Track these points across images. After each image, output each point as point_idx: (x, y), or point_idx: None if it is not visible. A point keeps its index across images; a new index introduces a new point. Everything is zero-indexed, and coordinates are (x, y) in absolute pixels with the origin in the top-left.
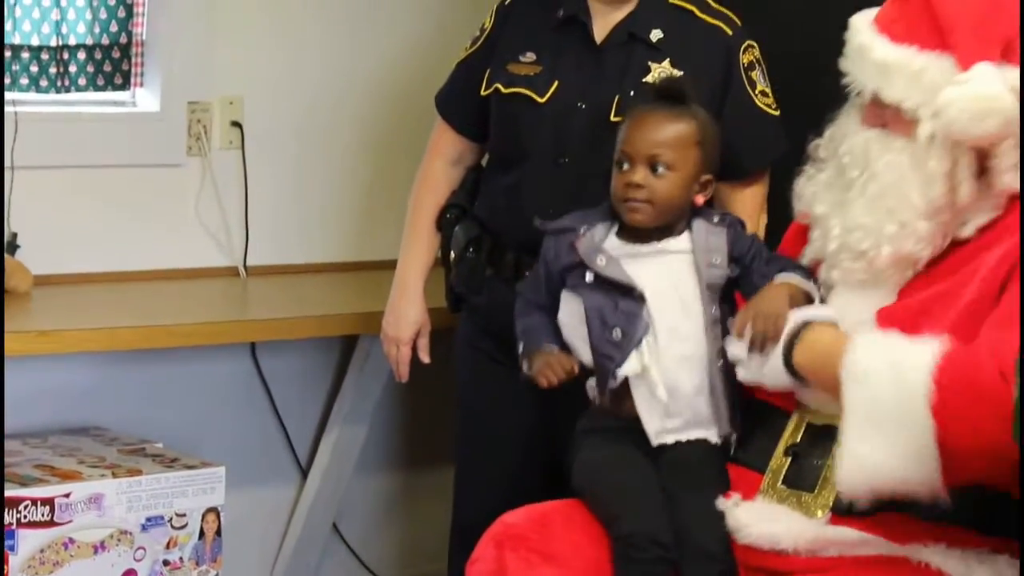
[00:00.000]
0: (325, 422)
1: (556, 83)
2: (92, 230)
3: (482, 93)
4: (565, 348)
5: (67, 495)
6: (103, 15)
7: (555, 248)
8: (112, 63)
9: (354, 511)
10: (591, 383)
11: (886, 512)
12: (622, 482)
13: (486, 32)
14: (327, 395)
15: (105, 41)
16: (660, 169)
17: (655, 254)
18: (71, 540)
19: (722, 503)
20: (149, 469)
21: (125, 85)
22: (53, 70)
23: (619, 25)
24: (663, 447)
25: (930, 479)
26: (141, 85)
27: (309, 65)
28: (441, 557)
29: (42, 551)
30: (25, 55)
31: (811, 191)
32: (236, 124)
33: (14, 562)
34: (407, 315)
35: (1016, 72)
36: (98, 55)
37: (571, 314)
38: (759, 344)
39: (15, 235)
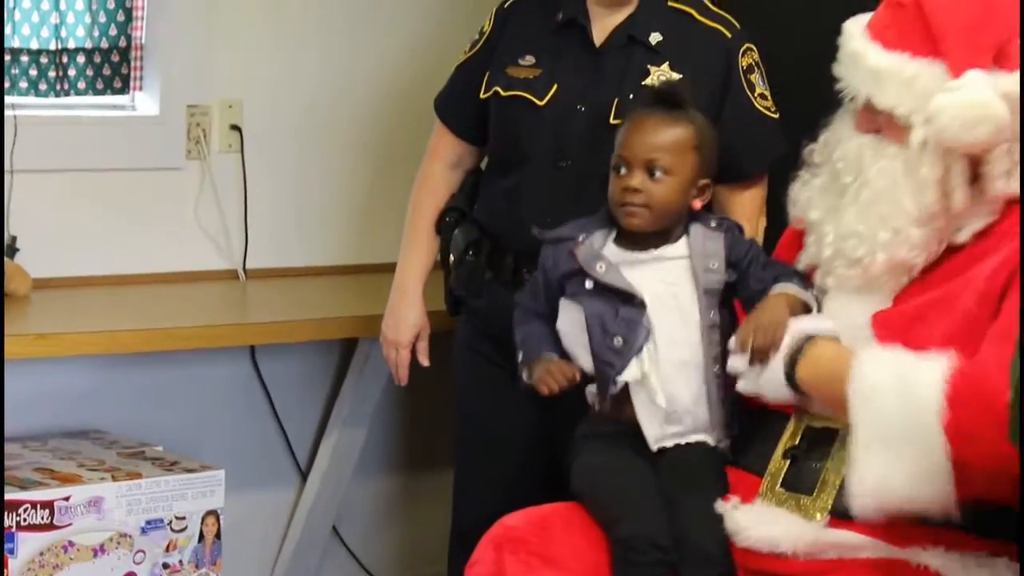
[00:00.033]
0: (325, 425)
1: (555, 86)
2: (91, 233)
3: (481, 96)
4: (564, 356)
5: (67, 498)
6: (102, 19)
7: (554, 256)
8: (111, 67)
9: (354, 514)
10: (591, 389)
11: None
12: (621, 486)
13: (485, 35)
14: (326, 398)
15: (104, 45)
16: (658, 173)
17: (653, 261)
18: (71, 543)
19: (721, 506)
20: (149, 472)
21: (124, 89)
22: (52, 74)
23: (618, 28)
24: (662, 450)
25: (942, 496)
26: (140, 89)
27: (308, 68)
28: (441, 560)
29: (42, 554)
30: (24, 59)
31: (806, 196)
32: (235, 127)
33: (13, 565)
34: (406, 318)
35: (1008, 78)
36: (97, 59)
37: (571, 322)
38: (760, 355)
39: (14, 238)
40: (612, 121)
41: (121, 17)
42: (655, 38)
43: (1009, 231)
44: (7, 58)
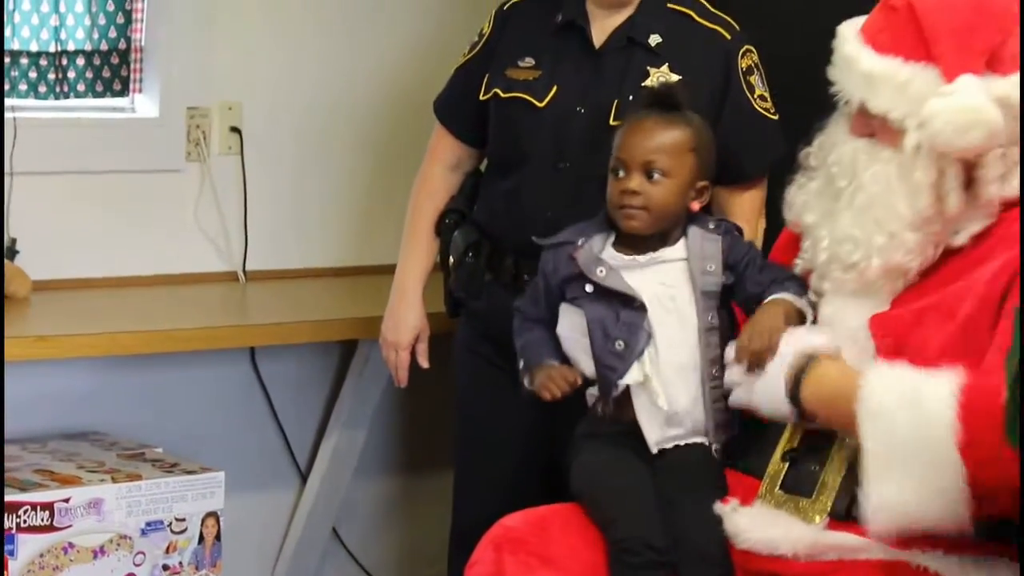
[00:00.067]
0: (324, 427)
1: (555, 88)
2: (91, 235)
3: (481, 98)
4: (565, 362)
5: (67, 500)
6: (102, 21)
7: (554, 261)
8: (111, 69)
9: (353, 515)
10: (592, 391)
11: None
12: (618, 486)
13: (484, 37)
14: (326, 400)
15: (104, 47)
16: (656, 176)
17: (652, 263)
18: (71, 545)
19: (720, 508)
20: (149, 474)
21: (124, 91)
22: (52, 76)
23: (618, 30)
24: (662, 451)
25: (957, 514)
26: (140, 91)
27: (308, 70)
28: (440, 561)
29: (42, 556)
30: (24, 61)
31: (801, 200)
32: (235, 129)
33: (14, 567)
34: (406, 320)
35: (1001, 82)
36: (97, 61)
37: (571, 326)
38: (756, 361)
39: (14, 240)
40: (612, 123)
41: (121, 19)
42: (655, 40)
43: (1009, 236)
44: (7, 60)
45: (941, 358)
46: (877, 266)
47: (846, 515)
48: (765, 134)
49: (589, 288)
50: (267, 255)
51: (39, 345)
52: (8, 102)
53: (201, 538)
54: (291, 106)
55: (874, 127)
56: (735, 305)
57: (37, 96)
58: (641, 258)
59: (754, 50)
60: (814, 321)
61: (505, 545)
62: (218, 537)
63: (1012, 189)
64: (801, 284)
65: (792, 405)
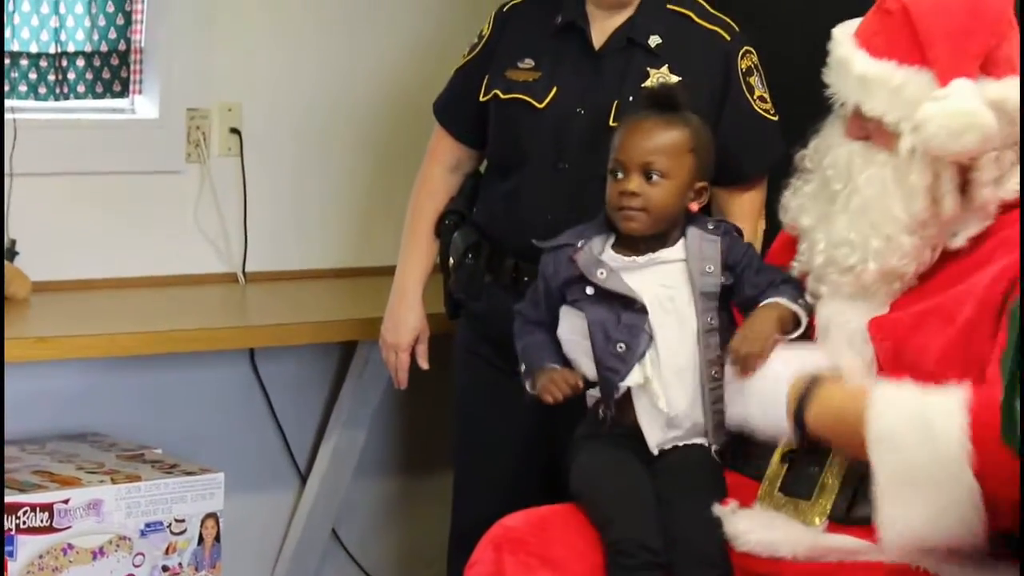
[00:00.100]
0: (324, 428)
1: (555, 89)
2: (91, 237)
3: (481, 99)
4: (566, 365)
5: (66, 501)
6: (102, 22)
7: (554, 263)
8: (111, 70)
9: (353, 516)
10: (592, 392)
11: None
12: (616, 488)
13: (484, 39)
14: (326, 401)
15: (104, 48)
16: (654, 177)
17: (651, 264)
18: (70, 546)
19: (720, 510)
20: (148, 475)
21: (124, 92)
22: (52, 77)
23: (617, 31)
24: (661, 453)
25: (973, 533)
26: (140, 92)
27: (307, 72)
28: (440, 562)
29: (41, 557)
30: (24, 62)
31: (797, 203)
32: (235, 131)
33: (13, 568)
34: (406, 321)
35: (995, 86)
36: (97, 62)
37: (572, 329)
38: (746, 366)
39: (14, 242)
40: (611, 124)
41: (120, 21)
42: (654, 41)
43: (1009, 240)
44: (7, 61)
45: (941, 362)
46: (874, 270)
47: (846, 517)
48: (765, 135)
49: (590, 290)
50: (267, 256)
51: (39, 346)
52: (8, 103)
53: (200, 539)
54: (291, 107)
55: (869, 130)
56: (733, 306)
57: (37, 97)
58: (640, 259)
59: (754, 51)
60: (810, 324)
61: (505, 545)
62: (217, 538)
63: (1008, 191)
64: (797, 287)
65: (796, 427)
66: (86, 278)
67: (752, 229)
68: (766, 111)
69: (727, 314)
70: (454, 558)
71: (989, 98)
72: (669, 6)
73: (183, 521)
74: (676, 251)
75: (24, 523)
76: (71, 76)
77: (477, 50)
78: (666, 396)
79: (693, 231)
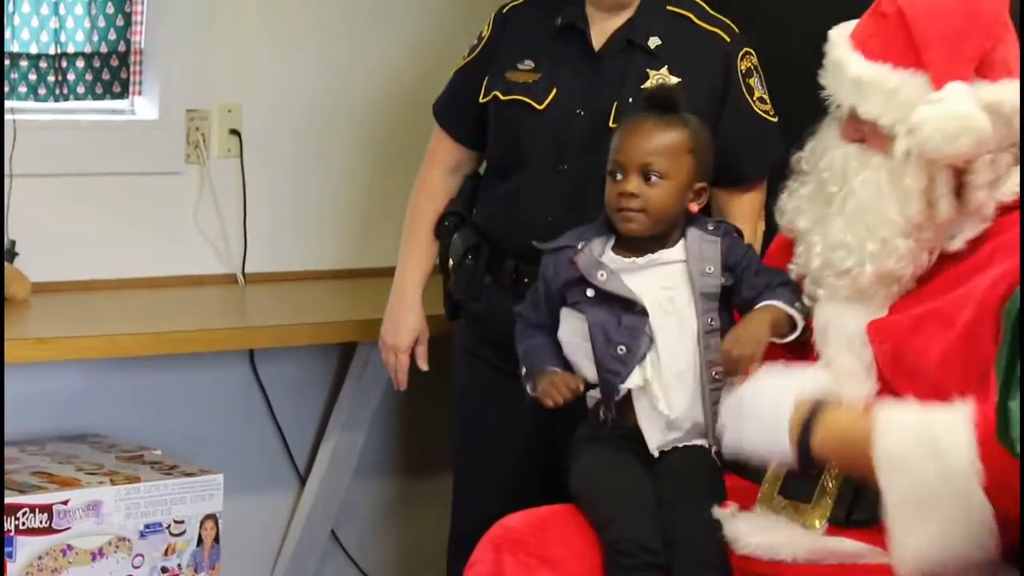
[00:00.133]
0: (323, 429)
1: (555, 90)
2: (90, 238)
3: (480, 101)
4: (567, 367)
5: (65, 502)
6: (101, 23)
7: (554, 265)
8: (110, 71)
9: (352, 518)
10: (593, 394)
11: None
12: (615, 489)
13: (484, 40)
14: (325, 402)
15: (103, 49)
16: (653, 178)
17: (651, 266)
18: (69, 547)
19: (720, 513)
20: (147, 476)
21: (123, 93)
22: (52, 78)
23: (617, 32)
24: (662, 453)
25: (986, 550)
26: (139, 93)
27: (307, 73)
28: (439, 564)
29: (40, 558)
30: (24, 63)
31: (793, 205)
32: (234, 132)
33: (12, 569)
34: (405, 323)
35: (991, 89)
36: (96, 63)
37: (573, 331)
38: (736, 369)
39: (14, 242)
40: (611, 125)
41: (120, 22)
42: (654, 42)
43: (1008, 243)
44: (6, 62)
45: (941, 366)
46: (870, 272)
47: (846, 520)
48: (764, 136)
49: (590, 292)
50: (266, 257)
51: (38, 347)
52: (8, 104)
53: (200, 540)
54: (290, 109)
55: (865, 132)
56: (733, 307)
57: (37, 98)
58: (640, 260)
59: (753, 52)
60: (807, 327)
61: (505, 545)
62: (217, 539)
63: (1005, 194)
64: (795, 290)
65: (799, 453)
66: (86, 279)
67: (752, 230)
68: (766, 112)
69: (728, 315)
70: (453, 559)
71: (984, 101)
72: (669, 7)
73: (182, 522)
74: (676, 252)
75: (23, 524)
76: (71, 77)
77: (477, 51)
78: (666, 398)
79: (693, 232)
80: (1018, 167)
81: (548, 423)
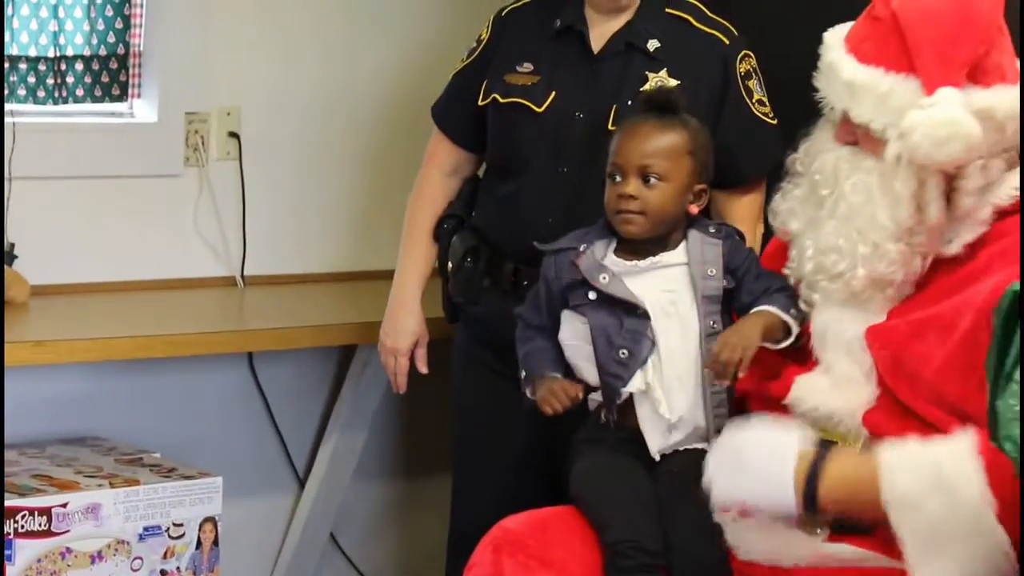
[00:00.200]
0: (323, 432)
1: (553, 93)
2: (90, 240)
3: (480, 103)
4: (568, 371)
5: (64, 505)
6: (100, 26)
7: (555, 267)
8: (109, 74)
9: (351, 521)
10: (594, 396)
11: (884, 529)
12: (613, 491)
13: (483, 43)
14: (324, 405)
15: (102, 52)
16: (652, 180)
17: (653, 268)
18: (68, 550)
19: (721, 518)
20: (146, 479)
21: (122, 96)
22: (51, 81)
23: (616, 35)
24: (663, 456)
25: (1001, 573)
26: (138, 96)
27: (306, 75)
28: (438, 566)
29: (39, 561)
30: (23, 66)
31: (786, 207)
32: (233, 135)
33: (11, 572)
34: (405, 326)
35: (983, 95)
36: (95, 66)
37: (574, 334)
38: (724, 371)
39: (12, 245)
40: (610, 127)
41: (119, 24)
42: (653, 45)
43: (1008, 250)
44: (5, 65)
45: (940, 373)
46: (862, 276)
47: (846, 528)
48: (763, 138)
49: (592, 295)
50: (265, 260)
51: (37, 350)
52: (7, 107)
53: (199, 543)
54: (290, 111)
55: (858, 136)
56: (733, 311)
57: (36, 101)
58: (642, 263)
59: (752, 55)
60: (804, 333)
61: (504, 547)
62: (216, 542)
63: (1001, 197)
64: (792, 296)
65: (805, 503)
66: (85, 282)
67: (751, 232)
68: (765, 115)
69: (729, 318)
70: (452, 561)
71: (976, 107)
72: (668, 10)
73: (181, 525)
74: (678, 255)
75: (22, 527)
76: (70, 80)
77: (475, 54)
78: (668, 402)
79: (694, 234)
80: (1013, 171)
81: (547, 425)
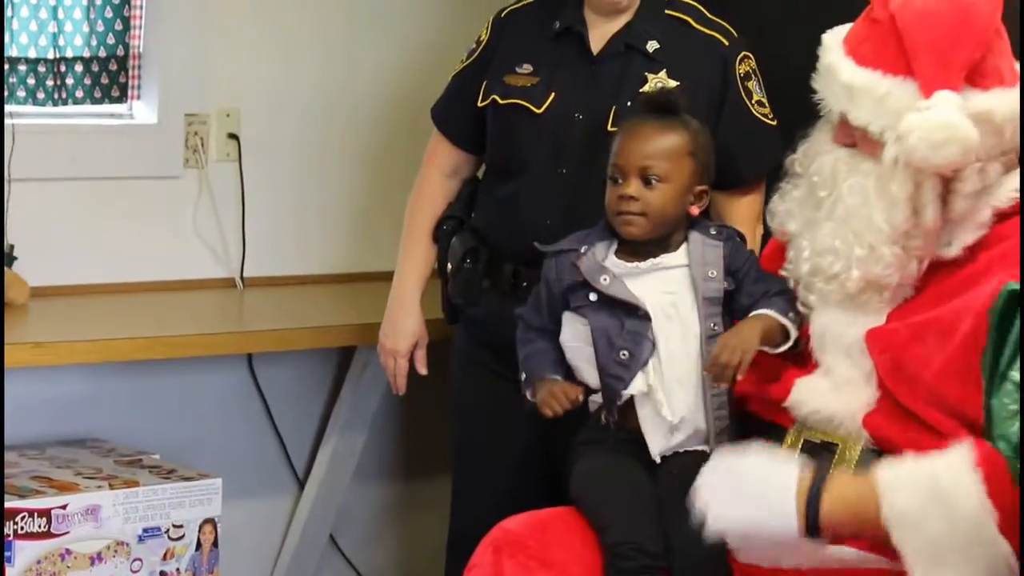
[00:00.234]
0: (322, 433)
1: (553, 94)
2: (89, 242)
3: (479, 104)
4: (568, 372)
5: (64, 506)
6: (100, 27)
7: (556, 268)
8: (109, 75)
9: (351, 522)
10: (595, 398)
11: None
12: (614, 492)
13: (482, 44)
14: (324, 406)
15: (102, 53)
16: (653, 181)
17: (654, 270)
18: (68, 551)
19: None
20: (146, 480)
21: (122, 97)
22: (50, 82)
23: (616, 36)
24: (663, 458)
25: None
26: (138, 97)
27: (306, 76)
28: (438, 568)
29: (39, 562)
30: (22, 67)
31: (784, 208)
32: (233, 136)
33: (11, 573)
34: (404, 327)
35: (981, 98)
36: (95, 67)
37: (575, 336)
38: (722, 374)
39: (12, 247)
40: (610, 129)
41: (119, 26)
42: (652, 46)
43: (1008, 254)
44: (5, 67)
45: (940, 376)
46: (857, 277)
47: None
48: (763, 139)
49: (593, 297)
50: (265, 261)
51: (37, 351)
52: (6, 108)
53: (198, 545)
54: (289, 113)
55: (856, 138)
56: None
57: (35, 102)
58: (643, 265)
59: (752, 56)
60: (803, 336)
61: (504, 548)
62: (215, 544)
63: (1001, 200)
64: (790, 300)
65: (807, 527)
66: (84, 283)
67: (751, 233)
68: (764, 116)
69: (730, 320)
70: (451, 562)
71: (974, 110)
72: (667, 11)
73: (181, 527)
74: (679, 256)
75: (22, 529)
76: (69, 81)
77: (475, 55)
78: (669, 403)
79: (695, 236)
80: (1013, 174)
81: (547, 427)
